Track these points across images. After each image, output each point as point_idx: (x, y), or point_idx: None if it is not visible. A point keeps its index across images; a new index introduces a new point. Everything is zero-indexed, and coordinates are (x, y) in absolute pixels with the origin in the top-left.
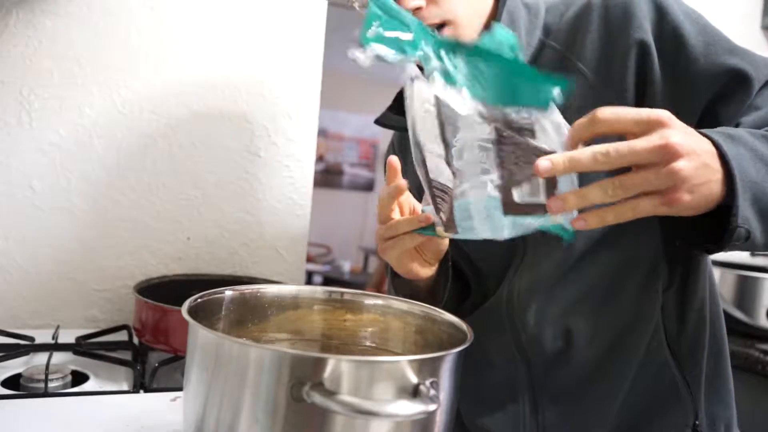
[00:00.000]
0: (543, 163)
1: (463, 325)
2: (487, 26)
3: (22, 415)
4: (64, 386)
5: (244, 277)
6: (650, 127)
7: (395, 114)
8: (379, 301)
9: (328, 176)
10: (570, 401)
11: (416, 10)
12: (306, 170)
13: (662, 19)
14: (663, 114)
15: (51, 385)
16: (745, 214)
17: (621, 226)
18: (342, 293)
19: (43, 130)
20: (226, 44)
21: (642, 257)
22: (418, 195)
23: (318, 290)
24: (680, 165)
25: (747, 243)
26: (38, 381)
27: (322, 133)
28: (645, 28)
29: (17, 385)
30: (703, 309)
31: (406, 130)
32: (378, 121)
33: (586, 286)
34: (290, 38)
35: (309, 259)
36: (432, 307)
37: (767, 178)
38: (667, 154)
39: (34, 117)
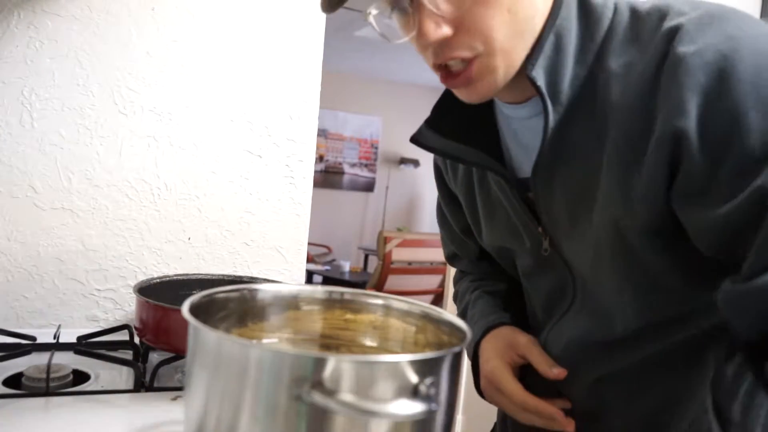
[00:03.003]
0: None
1: (463, 325)
2: (530, 59)
3: (23, 414)
4: (66, 385)
5: (245, 276)
6: None
7: (434, 132)
8: (379, 301)
9: (328, 176)
10: None
11: (443, 42)
12: (306, 170)
13: (719, 98)
14: None
15: (52, 384)
16: None
17: (677, 312)
18: (342, 293)
19: (44, 131)
20: (227, 45)
21: (692, 339)
22: (462, 234)
23: (318, 290)
24: None
25: None
26: (40, 380)
27: (322, 133)
28: (688, 111)
29: (19, 385)
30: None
31: (446, 155)
32: (414, 140)
33: (620, 365)
34: (290, 38)
35: (309, 259)
36: (432, 306)
37: None
38: None
39: (36, 117)
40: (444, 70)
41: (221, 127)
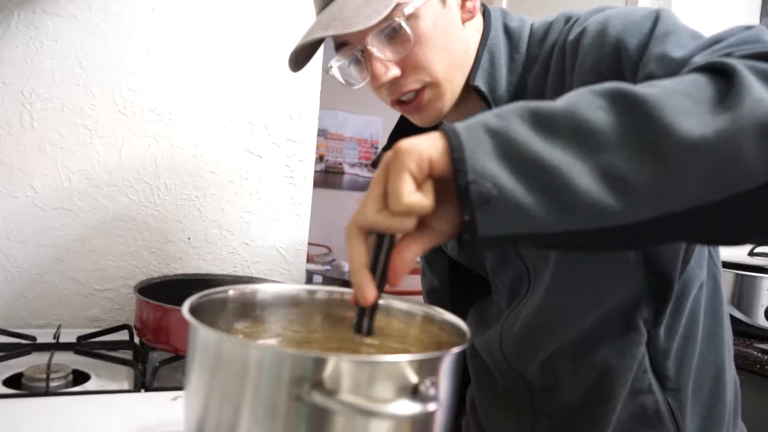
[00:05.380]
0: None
1: (463, 325)
2: (472, 73)
3: (23, 414)
4: (66, 385)
5: (245, 276)
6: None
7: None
8: (380, 301)
9: (328, 176)
10: (563, 426)
11: (393, 81)
12: (306, 170)
13: (603, 41)
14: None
15: (52, 384)
16: (486, 167)
17: (600, 286)
18: (342, 293)
19: (44, 131)
20: (227, 45)
21: (620, 308)
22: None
23: (318, 290)
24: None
25: (504, 208)
26: (40, 380)
27: (322, 133)
28: (587, 70)
29: (19, 385)
30: (691, 331)
31: None
32: (375, 164)
33: (564, 340)
34: (290, 38)
35: (309, 259)
36: (432, 306)
37: (517, 126)
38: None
39: (36, 117)
40: (400, 104)
41: (221, 127)
